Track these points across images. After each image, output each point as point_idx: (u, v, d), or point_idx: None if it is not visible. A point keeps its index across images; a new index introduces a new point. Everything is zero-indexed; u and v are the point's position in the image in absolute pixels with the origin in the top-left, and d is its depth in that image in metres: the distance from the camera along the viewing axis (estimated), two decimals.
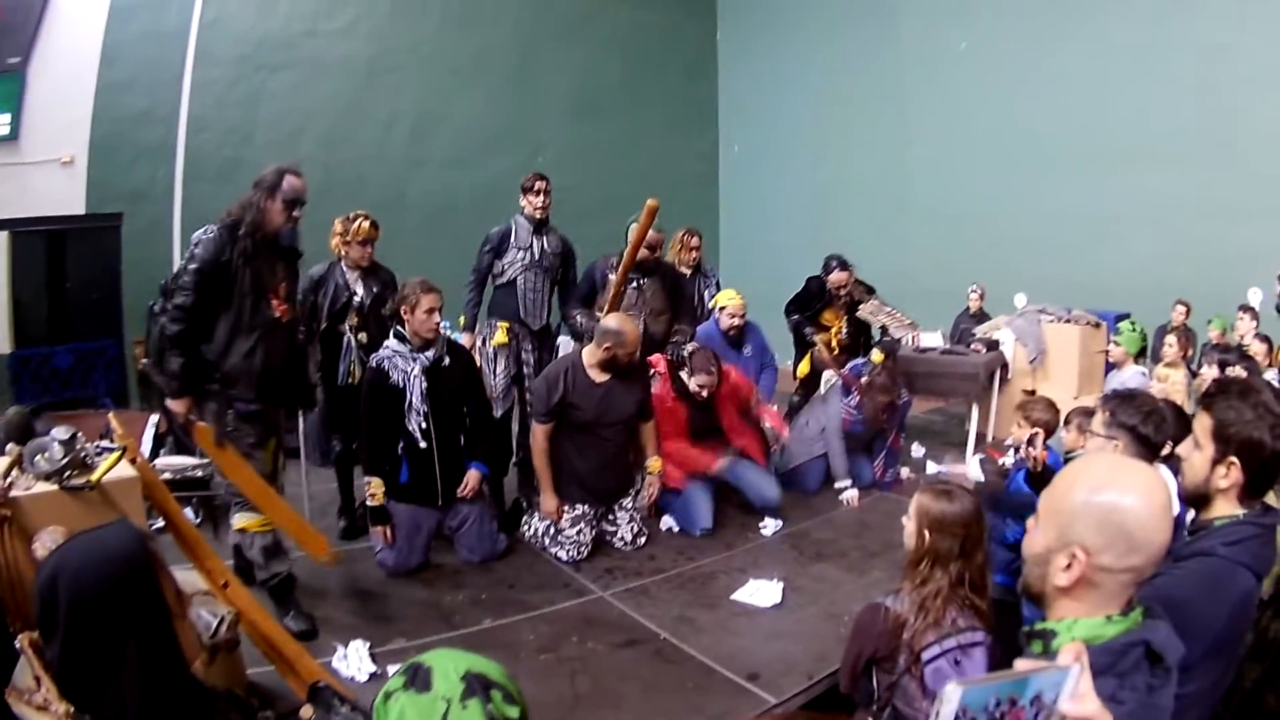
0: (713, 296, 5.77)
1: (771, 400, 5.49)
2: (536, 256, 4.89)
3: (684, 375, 4.76)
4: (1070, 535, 1.24)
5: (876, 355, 5.47)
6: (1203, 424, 1.81)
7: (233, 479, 3.05)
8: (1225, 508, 1.77)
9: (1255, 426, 1.72)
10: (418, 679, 1.21)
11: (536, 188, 4.88)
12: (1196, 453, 1.82)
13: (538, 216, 4.88)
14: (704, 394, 4.75)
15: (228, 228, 3.39)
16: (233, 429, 3.40)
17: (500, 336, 4.90)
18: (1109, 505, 1.22)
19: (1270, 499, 1.84)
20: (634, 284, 4.99)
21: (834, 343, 6.01)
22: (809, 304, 6.01)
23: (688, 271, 5.68)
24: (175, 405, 3.38)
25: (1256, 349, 5.68)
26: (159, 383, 3.43)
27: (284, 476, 3.96)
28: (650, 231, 4.88)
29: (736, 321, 5.44)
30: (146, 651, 1.32)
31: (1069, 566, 1.24)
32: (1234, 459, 1.74)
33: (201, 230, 3.42)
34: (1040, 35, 8.20)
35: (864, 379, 5.28)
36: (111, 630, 1.31)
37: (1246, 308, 6.14)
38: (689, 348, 4.87)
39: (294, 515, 3.16)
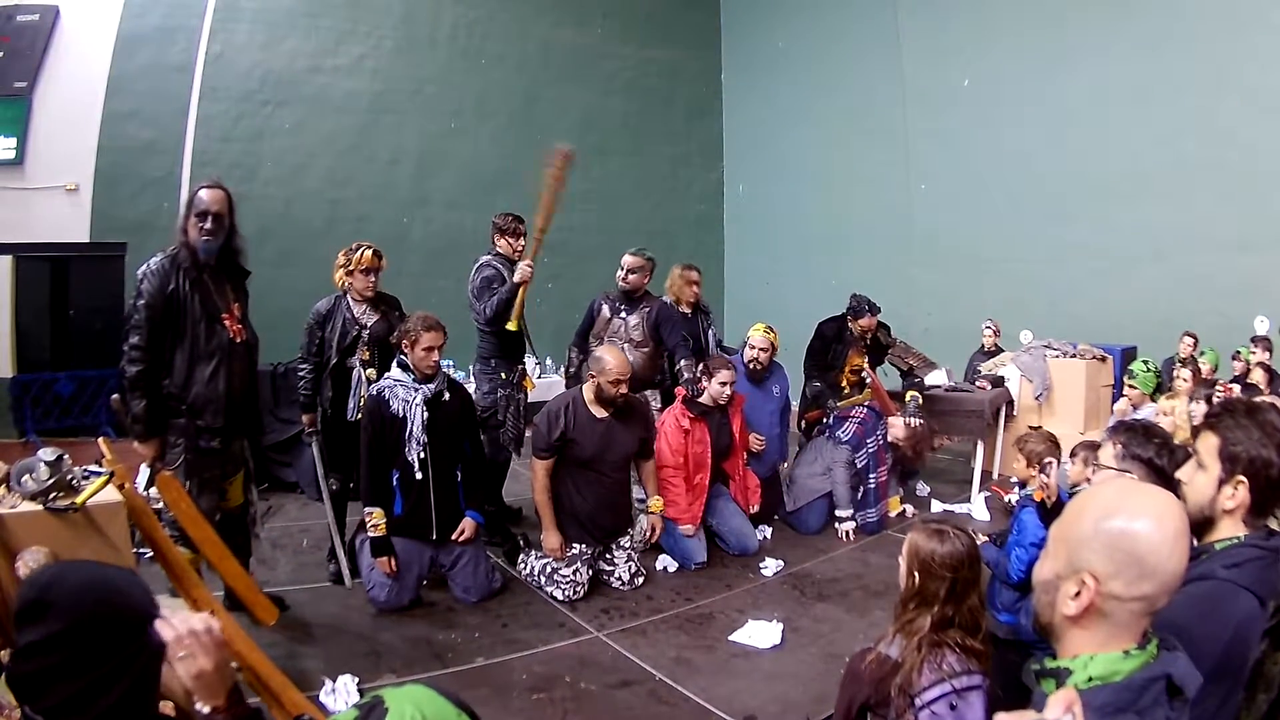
0: (716, 336, 5.70)
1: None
2: None
3: (703, 389, 4.79)
4: (1079, 561, 1.19)
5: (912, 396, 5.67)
6: (1208, 444, 1.76)
7: (190, 532, 2.93)
8: (1228, 530, 1.71)
9: (1263, 444, 1.68)
10: (371, 717, 1.13)
11: (519, 230, 4.98)
12: (1200, 474, 1.76)
13: (515, 258, 4.89)
14: (728, 392, 4.79)
15: (170, 257, 3.37)
16: (196, 462, 3.38)
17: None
18: (1119, 530, 1.17)
19: (1273, 523, 1.78)
20: (619, 313, 5.00)
21: (846, 384, 5.80)
22: (828, 356, 5.72)
23: (688, 310, 5.50)
24: (142, 449, 3.35)
25: (1257, 377, 5.69)
26: (125, 425, 3.38)
27: (256, 509, 3.90)
28: (632, 257, 5.01)
29: (758, 355, 5.28)
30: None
31: (1078, 594, 1.19)
32: (1242, 478, 1.69)
33: (145, 264, 3.39)
34: (1042, 71, 8.20)
35: (914, 421, 5.33)
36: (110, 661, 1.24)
37: (1259, 339, 6.12)
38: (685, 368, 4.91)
39: (244, 575, 3.04)
